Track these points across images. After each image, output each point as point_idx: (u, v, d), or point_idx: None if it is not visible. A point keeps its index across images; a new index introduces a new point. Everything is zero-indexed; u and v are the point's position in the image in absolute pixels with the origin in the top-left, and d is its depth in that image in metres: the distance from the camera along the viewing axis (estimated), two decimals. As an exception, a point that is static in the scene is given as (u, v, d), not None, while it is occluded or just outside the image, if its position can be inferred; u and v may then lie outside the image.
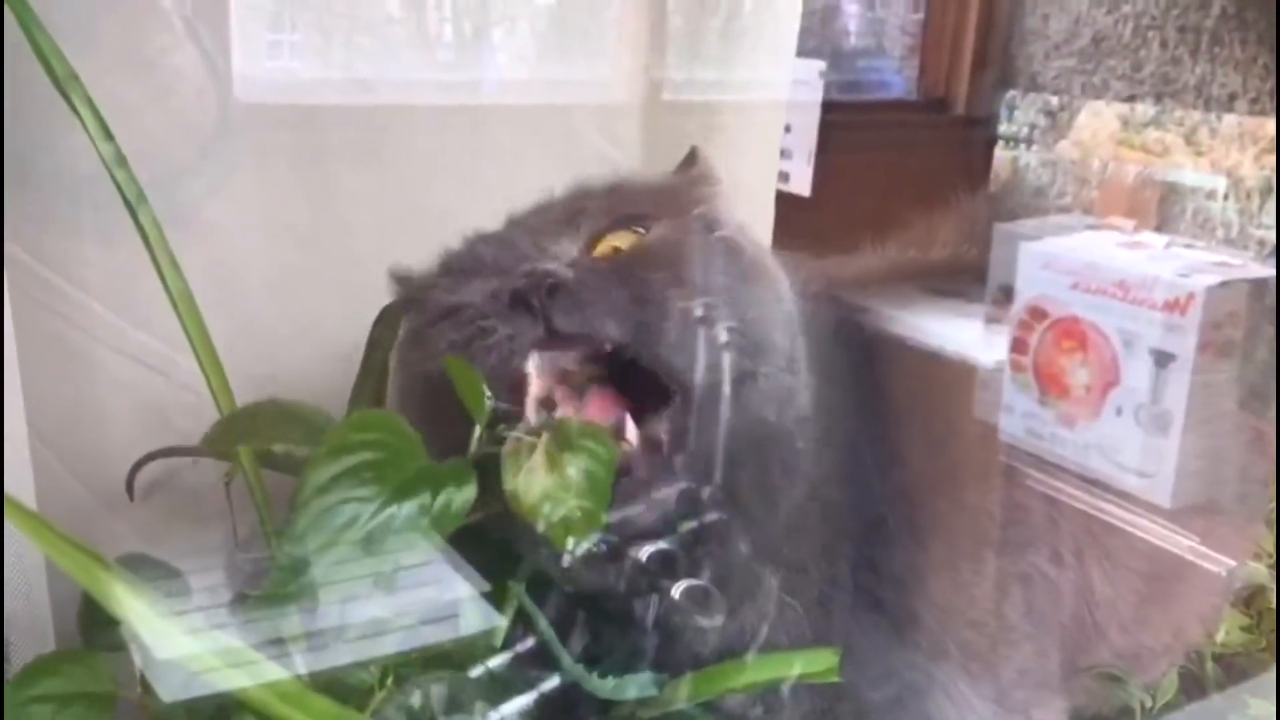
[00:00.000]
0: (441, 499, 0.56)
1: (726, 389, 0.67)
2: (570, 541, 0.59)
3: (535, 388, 0.65)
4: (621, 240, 0.70)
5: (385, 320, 0.72)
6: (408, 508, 0.55)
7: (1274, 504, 0.86)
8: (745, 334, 0.69)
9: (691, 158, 0.84)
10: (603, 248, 0.70)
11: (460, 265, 0.72)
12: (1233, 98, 1.13)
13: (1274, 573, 0.79)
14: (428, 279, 0.74)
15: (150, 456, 0.71)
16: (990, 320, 1.10)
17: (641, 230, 0.71)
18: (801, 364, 0.74)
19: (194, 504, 0.71)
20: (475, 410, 0.61)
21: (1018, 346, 1.08)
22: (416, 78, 0.98)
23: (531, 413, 0.64)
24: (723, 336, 0.67)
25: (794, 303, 0.76)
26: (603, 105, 0.98)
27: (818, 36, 1.47)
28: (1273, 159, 1.06)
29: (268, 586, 0.55)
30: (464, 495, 0.56)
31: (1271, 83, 1.12)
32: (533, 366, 0.65)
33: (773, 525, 0.72)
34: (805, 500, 0.74)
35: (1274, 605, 0.83)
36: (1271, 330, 0.96)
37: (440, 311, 0.69)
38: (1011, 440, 1.06)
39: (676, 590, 0.67)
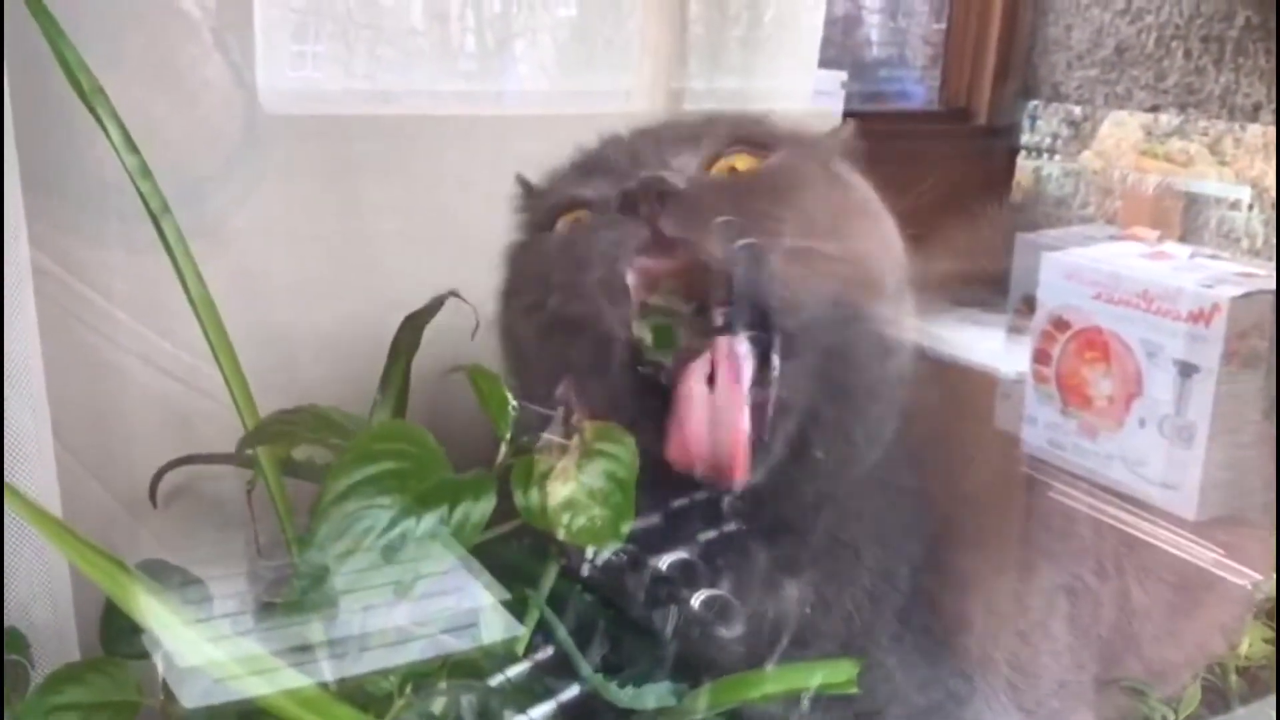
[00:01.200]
0: (460, 511, 0.56)
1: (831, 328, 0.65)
2: (590, 550, 0.59)
3: (635, 296, 0.63)
4: (740, 162, 0.69)
5: (408, 327, 0.72)
6: (427, 519, 0.55)
7: (1275, 506, 0.86)
8: (855, 268, 0.68)
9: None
10: (720, 165, 0.69)
11: (584, 163, 0.72)
12: (1257, 108, 1.13)
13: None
14: (551, 174, 0.74)
15: (173, 464, 0.72)
16: (1013, 330, 1.09)
17: (761, 154, 0.69)
18: (909, 313, 0.73)
19: (217, 511, 0.71)
20: (499, 421, 0.61)
21: (1040, 357, 1.08)
22: (439, 88, 0.99)
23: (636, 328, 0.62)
24: (828, 268, 0.65)
25: (901, 250, 0.74)
26: (626, 115, 0.98)
27: (839, 47, 1.47)
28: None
29: (288, 594, 0.55)
30: (482, 508, 0.56)
31: (1297, 92, 1.11)
32: (633, 276, 0.62)
33: (849, 485, 0.71)
34: (873, 479, 0.73)
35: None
36: (1296, 342, 0.96)
37: (557, 205, 0.69)
38: (1033, 451, 1.06)
39: (696, 600, 0.67)
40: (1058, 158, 1.22)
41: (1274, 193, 1.06)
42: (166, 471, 0.71)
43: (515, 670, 0.61)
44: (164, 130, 0.78)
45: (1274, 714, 0.78)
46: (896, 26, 1.53)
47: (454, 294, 0.72)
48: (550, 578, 0.65)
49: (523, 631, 0.63)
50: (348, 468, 0.55)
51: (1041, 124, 1.24)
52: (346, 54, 0.95)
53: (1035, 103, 1.25)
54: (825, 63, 1.42)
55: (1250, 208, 1.04)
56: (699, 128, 0.71)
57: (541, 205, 0.72)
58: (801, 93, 1.08)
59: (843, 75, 1.31)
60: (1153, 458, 1.00)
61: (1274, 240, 1.07)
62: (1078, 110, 1.22)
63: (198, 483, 0.73)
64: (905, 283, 0.75)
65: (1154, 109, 1.19)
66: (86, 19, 0.73)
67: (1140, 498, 0.97)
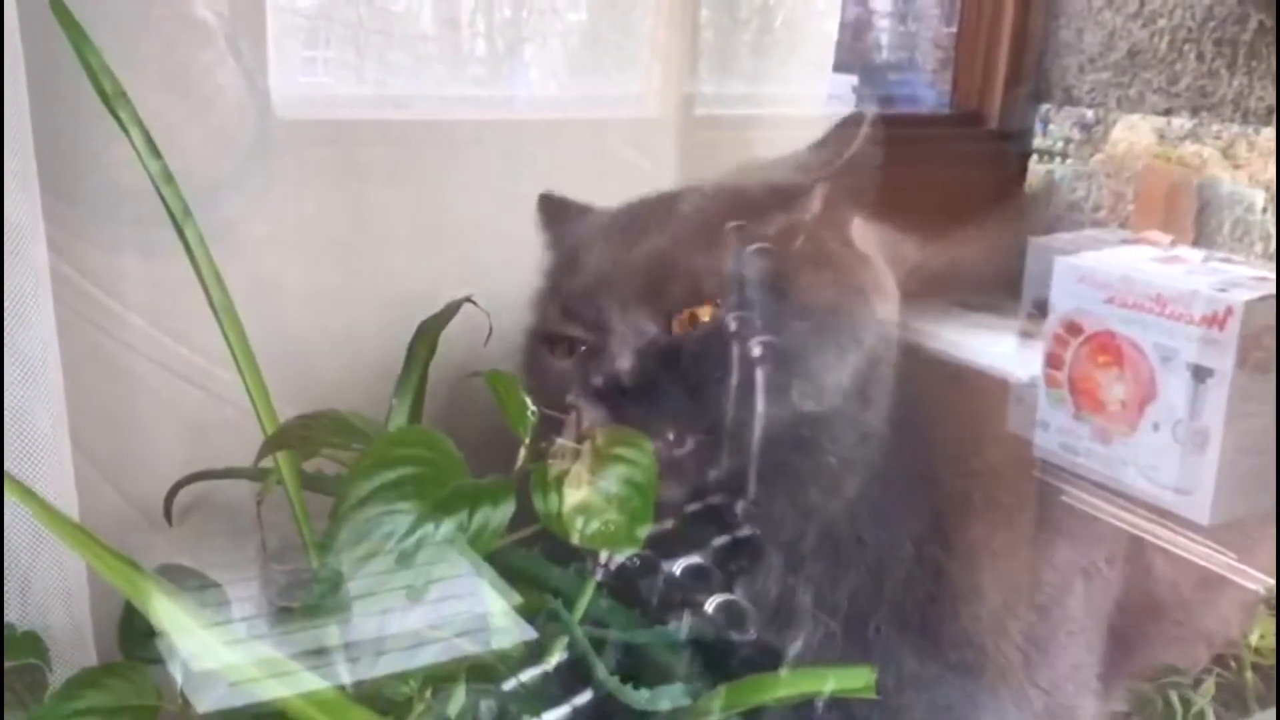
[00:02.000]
0: (479, 517, 0.56)
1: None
2: (604, 554, 0.59)
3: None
4: (704, 313, 0.72)
5: (423, 334, 0.73)
6: (446, 524, 0.55)
7: (1275, 511, 0.85)
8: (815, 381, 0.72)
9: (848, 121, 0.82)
10: (683, 319, 0.72)
11: (569, 293, 0.75)
12: (1270, 111, 1.12)
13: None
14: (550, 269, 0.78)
15: (187, 480, 0.72)
16: (1025, 335, 1.09)
17: (717, 303, 0.71)
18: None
19: (233, 516, 0.71)
20: (518, 426, 0.61)
21: (1053, 361, 1.07)
22: (451, 93, 0.99)
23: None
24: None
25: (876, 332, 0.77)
26: (637, 120, 0.98)
27: (850, 50, 1.47)
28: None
29: (307, 598, 0.55)
30: (501, 514, 0.56)
31: (1311, 95, 1.11)
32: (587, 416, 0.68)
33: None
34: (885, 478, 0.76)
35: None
36: (1311, 345, 0.95)
37: (549, 333, 0.74)
38: (1046, 455, 1.06)
39: (710, 605, 0.67)
40: (1070, 161, 1.22)
41: (1288, 196, 1.06)
42: (181, 488, 0.72)
43: (530, 674, 0.62)
44: (179, 135, 0.78)
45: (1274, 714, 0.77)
46: (907, 30, 1.53)
47: (469, 300, 0.72)
48: (584, 588, 0.65)
49: (535, 635, 0.63)
50: (367, 473, 0.55)
51: (1053, 128, 1.24)
52: (357, 59, 0.95)
53: (1047, 106, 1.25)
54: (836, 66, 1.42)
55: (1264, 211, 1.03)
56: (659, 276, 0.72)
57: (543, 315, 0.77)
58: (816, 97, 1.08)
59: (853, 79, 1.31)
60: (1166, 462, 0.99)
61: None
62: (1090, 114, 1.22)
63: (214, 488, 0.73)
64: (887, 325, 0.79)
65: (1167, 112, 1.19)
66: (101, 25, 0.73)
67: (1154, 502, 0.97)
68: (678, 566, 0.67)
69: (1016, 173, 1.31)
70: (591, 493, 0.58)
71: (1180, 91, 1.19)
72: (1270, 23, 1.12)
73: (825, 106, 1.22)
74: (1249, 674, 0.82)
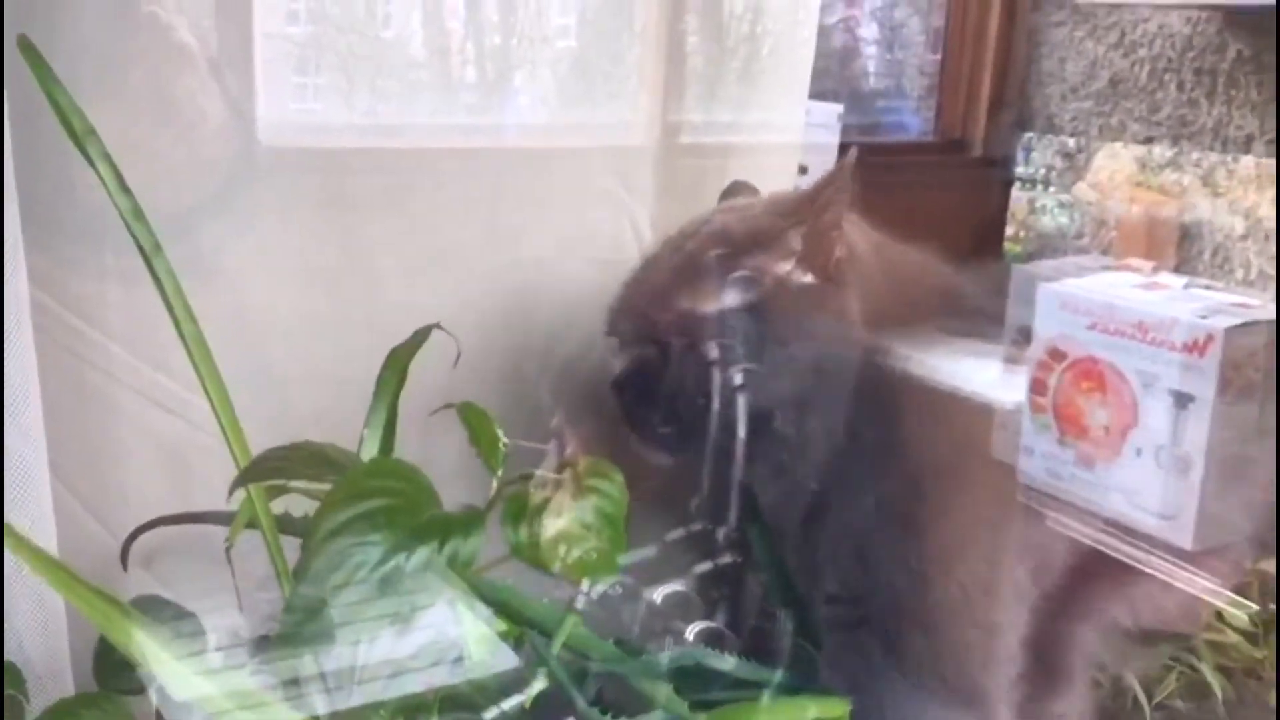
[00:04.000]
0: (450, 546, 0.56)
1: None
2: (585, 583, 0.59)
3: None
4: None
5: (393, 363, 0.73)
6: (418, 554, 0.56)
7: (1275, 514, 0.86)
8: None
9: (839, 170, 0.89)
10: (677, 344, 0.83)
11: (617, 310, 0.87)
12: (1249, 139, 1.13)
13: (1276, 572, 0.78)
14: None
15: (148, 526, 0.71)
16: (1009, 361, 1.10)
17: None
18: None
19: (214, 548, 0.71)
20: (490, 458, 0.61)
21: (1036, 387, 1.08)
22: (439, 121, 1.00)
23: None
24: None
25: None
26: (621, 148, 0.99)
27: (837, 79, 1.48)
28: (1291, 200, 1.07)
29: (279, 628, 0.55)
30: (471, 544, 0.57)
31: (1290, 124, 1.12)
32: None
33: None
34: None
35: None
36: (1292, 372, 0.96)
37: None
38: (1031, 482, 1.06)
39: (690, 632, 0.67)
40: (1052, 189, 1.23)
41: (1269, 223, 1.07)
42: (141, 533, 0.71)
43: (511, 703, 0.61)
44: (162, 162, 0.79)
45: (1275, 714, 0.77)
46: (894, 58, 1.55)
47: (438, 327, 0.72)
48: (565, 618, 0.65)
49: (516, 663, 0.63)
50: (340, 504, 0.56)
51: (1036, 155, 1.25)
52: (348, 86, 0.95)
53: (1030, 135, 1.26)
54: (823, 95, 1.43)
55: (1244, 238, 1.04)
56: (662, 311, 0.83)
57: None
58: (793, 125, 1.08)
59: (839, 108, 1.32)
60: (1149, 488, 0.99)
61: (1267, 270, 1.08)
62: (1071, 142, 1.23)
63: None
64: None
65: (1148, 141, 1.20)
66: (84, 53, 0.73)
67: (1137, 528, 0.97)
68: (658, 594, 0.68)
69: (1000, 200, 1.32)
70: (572, 521, 0.58)
71: (1161, 120, 1.20)
72: (1249, 52, 1.14)
73: (808, 135, 1.23)
74: (1209, 669, 0.82)
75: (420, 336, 0.72)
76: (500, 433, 0.63)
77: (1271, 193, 1.07)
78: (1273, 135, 1.13)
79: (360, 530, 0.55)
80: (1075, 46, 1.29)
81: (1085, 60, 1.28)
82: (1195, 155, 1.13)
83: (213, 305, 0.67)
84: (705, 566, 0.70)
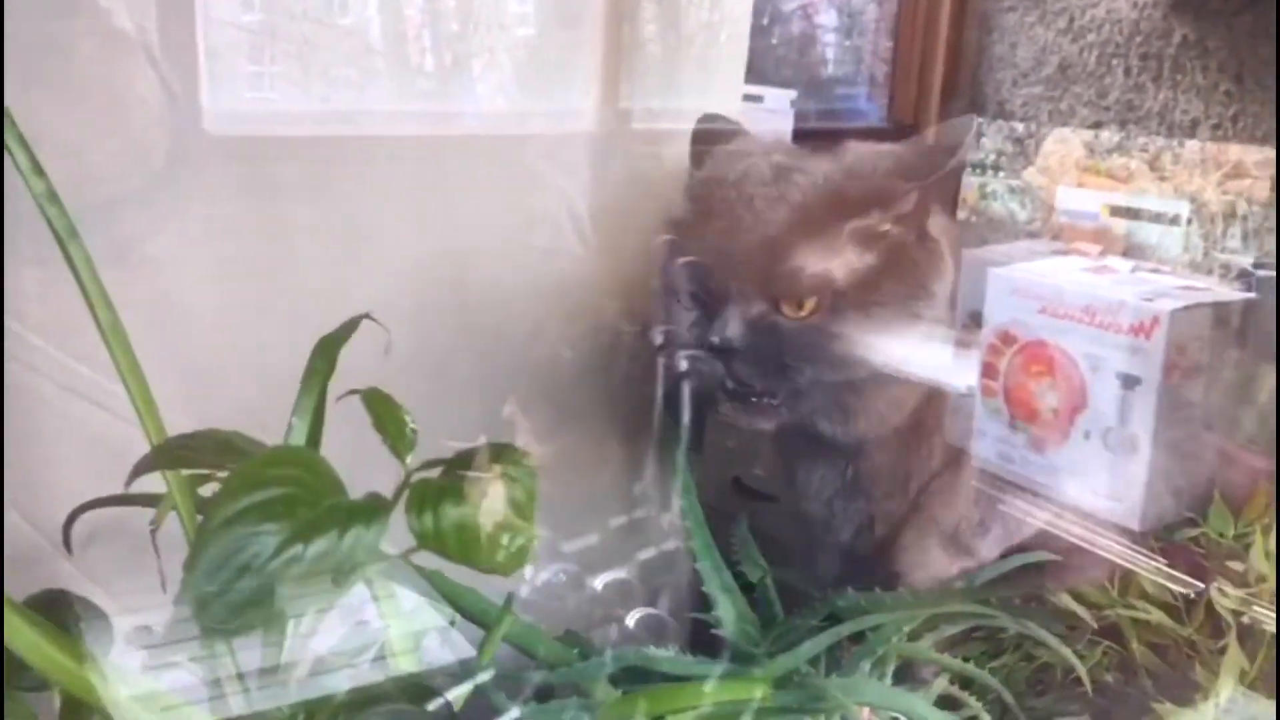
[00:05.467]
0: (351, 536, 0.54)
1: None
2: (529, 570, 0.58)
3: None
4: (807, 304, 0.82)
5: (322, 352, 0.71)
6: (316, 544, 0.54)
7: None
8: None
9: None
10: (790, 305, 0.82)
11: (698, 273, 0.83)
12: (1195, 124, 1.15)
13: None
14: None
15: (85, 507, 0.70)
16: (961, 345, 1.10)
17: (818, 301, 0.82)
18: None
19: (142, 538, 0.70)
20: (398, 444, 0.60)
21: (988, 371, 1.09)
22: (387, 109, 0.98)
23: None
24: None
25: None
26: (558, 135, 0.98)
27: (794, 65, 1.48)
28: (1234, 184, 1.08)
29: (170, 623, 0.54)
30: (374, 533, 0.55)
31: (1235, 108, 1.13)
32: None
33: None
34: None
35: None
36: (1236, 353, 0.97)
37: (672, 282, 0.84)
38: (984, 465, 1.07)
39: (631, 619, 0.67)
40: (1002, 174, 1.24)
41: (1211, 207, 1.08)
42: (78, 515, 0.70)
43: (456, 693, 0.61)
44: (94, 150, 0.77)
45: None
46: (850, 45, 1.55)
47: (368, 316, 0.71)
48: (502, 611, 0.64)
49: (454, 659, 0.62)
50: (234, 494, 0.54)
51: (986, 141, 1.26)
52: (303, 74, 0.94)
53: (980, 120, 1.27)
54: (779, 81, 1.43)
55: (1189, 222, 1.05)
56: (777, 270, 0.81)
57: (671, 267, 0.86)
58: (729, 112, 1.08)
59: (792, 94, 1.32)
60: (1097, 470, 1.01)
61: (1213, 254, 1.09)
62: (1020, 127, 1.24)
63: (120, 510, 0.71)
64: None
65: (1096, 126, 1.21)
66: (16, 37, 0.72)
67: (1087, 509, 0.98)
68: (600, 581, 0.68)
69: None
70: (477, 512, 0.57)
71: (1109, 105, 1.21)
72: (1194, 36, 1.15)
73: (760, 121, 1.23)
74: (1136, 645, 0.83)
75: (350, 325, 0.70)
76: (409, 418, 0.61)
77: (1216, 176, 1.08)
78: (1218, 119, 1.14)
79: (255, 520, 0.54)
80: (1026, 32, 1.29)
81: (1035, 45, 1.29)
82: (1142, 140, 1.14)
83: (139, 294, 0.65)
84: (649, 553, 0.70)
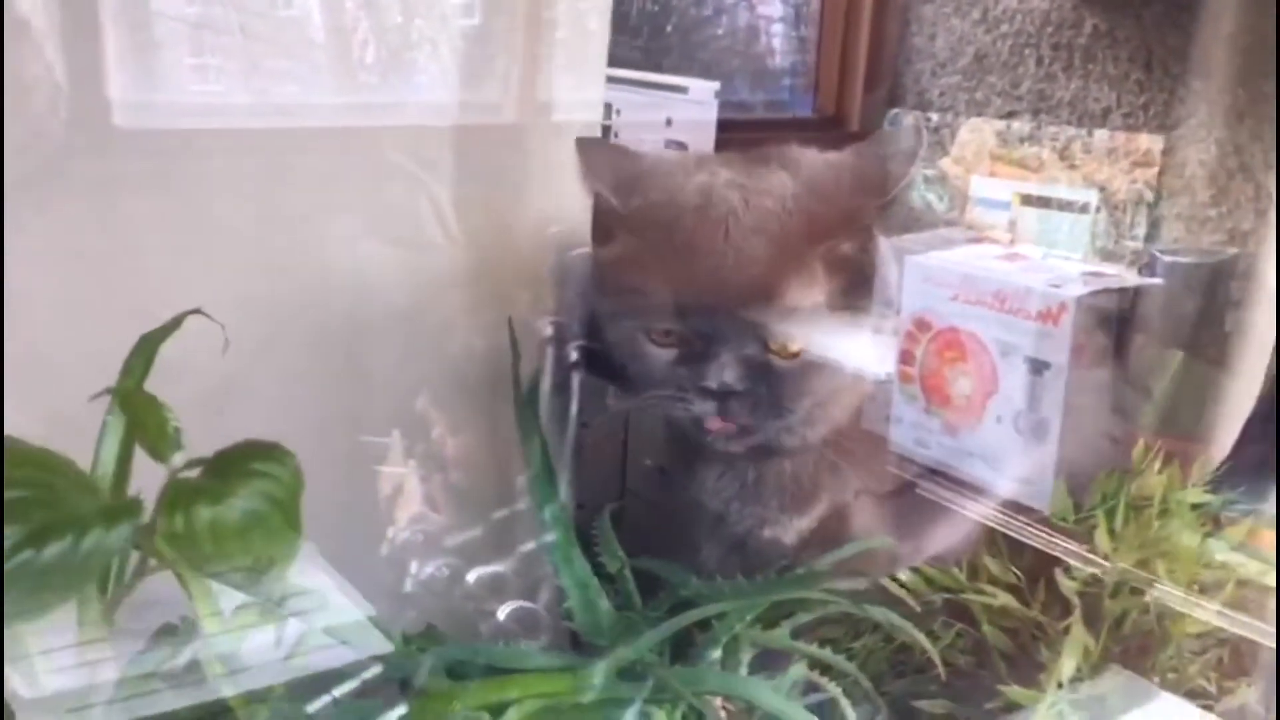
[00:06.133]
0: (89, 540, 0.53)
1: None
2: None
3: None
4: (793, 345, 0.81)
5: (142, 349, 0.69)
6: (51, 548, 0.52)
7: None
8: None
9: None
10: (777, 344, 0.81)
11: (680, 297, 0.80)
12: (1106, 112, 1.17)
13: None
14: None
15: None
16: (878, 333, 1.12)
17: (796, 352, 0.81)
18: None
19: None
20: (159, 445, 0.58)
21: (905, 358, 1.10)
22: (332, 101, 0.96)
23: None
24: None
25: None
26: (414, 128, 0.96)
27: (715, 55, 1.49)
28: (1142, 172, 1.10)
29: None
30: (115, 536, 0.54)
31: (1145, 97, 1.15)
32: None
33: None
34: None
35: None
36: (1140, 339, 0.99)
37: (652, 327, 0.81)
38: (900, 450, 1.08)
39: (503, 612, 0.67)
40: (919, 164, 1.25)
41: (1119, 195, 1.10)
42: None
43: (342, 690, 0.61)
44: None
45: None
46: (774, 35, 1.55)
47: (198, 311, 0.69)
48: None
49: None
50: None
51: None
52: (244, 66, 0.92)
53: (895, 110, 1.28)
54: (702, 73, 1.43)
55: (1098, 210, 1.07)
56: (764, 311, 0.80)
57: (645, 304, 0.82)
58: (593, 103, 1.06)
59: (715, 85, 1.32)
60: (1009, 453, 1.03)
61: (1122, 242, 1.11)
62: (935, 117, 1.25)
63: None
64: None
65: (1010, 115, 1.23)
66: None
67: (1000, 493, 1.00)
68: (473, 575, 0.68)
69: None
70: (227, 510, 0.55)
71: (1022, 95, 1.23)
72: (1105, 26, 1.17)
73: (688, 113, 1.23)
74: (988, 628, 0.86)
75: (174, 322, 0.68)
76: (171, 417, 0.60)
77: (1124, 164, 1.10)
78: (1129, 108, 1.16)
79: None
80: (943, 23, 1.31)
81: (953, 36, 1.30)
82: (1052, 129, 1.16)
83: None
84: (528, 546, 0.70)
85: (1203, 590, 0.82)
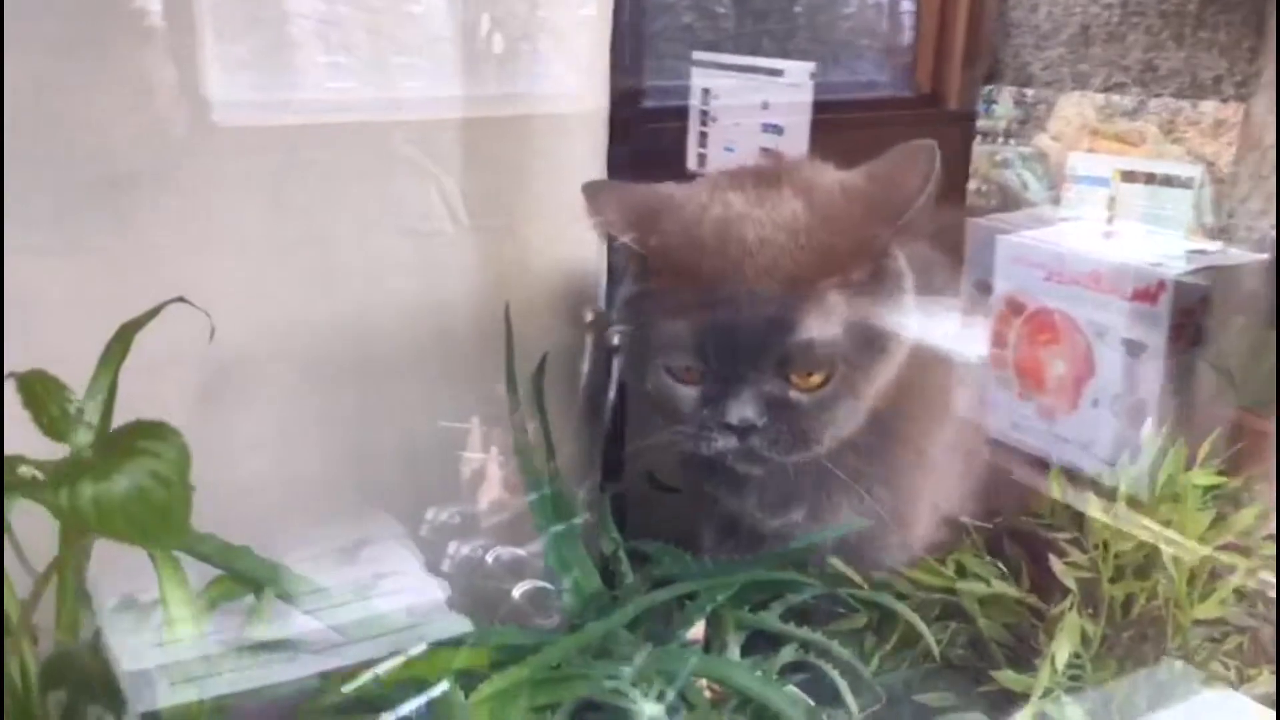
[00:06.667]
0: None
1: None
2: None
3: None
4: (816, 377, 0.80)
5: (120, 335, 0.70)
6: None
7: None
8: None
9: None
10: (799, 377, 0.80)
11: (700, 331, 0.80)
12: (1217, 80, 1.12)
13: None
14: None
15: None
16: (968, 314, 1.10)
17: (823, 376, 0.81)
18: None
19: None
20: (59, 428, 0.59)
21: (997, 340, 1.08)
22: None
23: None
24: None
25: None
26: (425, 121, 0.96)
27: (811, 36, 1.48)
28: (1248, 146, 1.05)
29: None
30: None
31: (1257, 64, 1.10)
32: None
33: None
34: None
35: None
36: (1242, 319, 0.96)
37: (671, 364, 0.81)
38: (995, 435, 1.06)
39: (518, 591, 0.69)
40: (1014, 141, 1.22)
41: (1224, 170, 1.06)
42: None
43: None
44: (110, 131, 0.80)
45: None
46: (870, 13, 1.53)
47: (181, 299, 0.71)
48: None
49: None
50: None
51: (997, 108, 1.24)
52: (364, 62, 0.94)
53: (990, 87, 1.25)
54: (795, 54, 1.42)
55: (1201, 186, 1.03)
56: (784, 346, 0.79)
57: (668, 342, 0.82)
58: (596, 93, 1.05)
59: (811, 66, 1.31)
60: (1105, 437, 1.00)
61: (1224, 219, 1.07)
62: (1031, 93, 1.22)
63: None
64: None
65: (1116, 88, 1.19)
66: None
67: (1094, 478, 0.97)
68: (491, 555, 0.70)
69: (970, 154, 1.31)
70: (111, 486, 0.56)
71: (1129, 65, 1.19)
72: (1215, -7, 1.12)
73: (781, 95, 1.23)
74: (983, 621, 0.85)
75: (153, 311, 0.69)
76: (71, 397, 0.61)
77: (1229, 138, 1.06)
78: (1242, 77, 1.11)
79: None
80: (1045, -6, 1.27)
81: (1056, 7, 1.26)
82: (1155, 102, 1.12)
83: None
84: (559, 527, 0.72)
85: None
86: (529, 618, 0.72)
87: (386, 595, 0.80)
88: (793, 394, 0.79)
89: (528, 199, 1.02)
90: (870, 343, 0.81)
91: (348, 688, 0.63)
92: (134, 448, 0.58)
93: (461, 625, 0.74)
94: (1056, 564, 0.80)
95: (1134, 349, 0.97)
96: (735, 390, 0.78)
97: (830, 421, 0.81)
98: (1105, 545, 0.81)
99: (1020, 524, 0.89)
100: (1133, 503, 0.85)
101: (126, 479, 0.57)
